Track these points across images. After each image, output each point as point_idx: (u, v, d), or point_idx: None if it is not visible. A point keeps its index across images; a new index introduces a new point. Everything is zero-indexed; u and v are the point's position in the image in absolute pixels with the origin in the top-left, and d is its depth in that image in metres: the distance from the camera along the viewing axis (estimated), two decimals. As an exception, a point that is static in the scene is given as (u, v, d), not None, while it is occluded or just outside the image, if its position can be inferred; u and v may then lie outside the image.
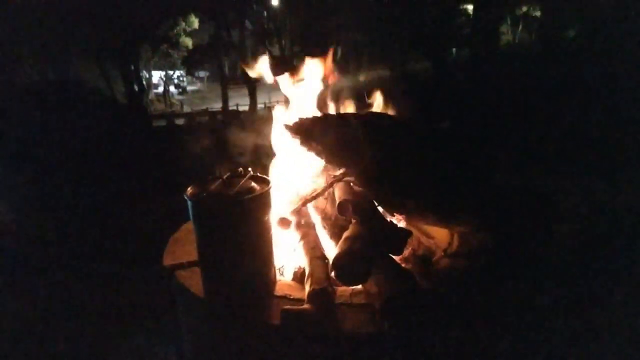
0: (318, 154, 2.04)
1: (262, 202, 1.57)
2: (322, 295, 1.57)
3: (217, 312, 1.67)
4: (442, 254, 2.07)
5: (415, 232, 2.27)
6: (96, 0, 11.28)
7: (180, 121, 13.74)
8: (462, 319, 1.73)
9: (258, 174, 1.72)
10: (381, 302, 1.50)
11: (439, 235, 2.27)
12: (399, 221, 2.18)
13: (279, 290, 1.77)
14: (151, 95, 20.26)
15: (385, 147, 2.00)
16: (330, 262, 1.59)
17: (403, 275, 1.60)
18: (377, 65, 20.33)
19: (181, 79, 21.87)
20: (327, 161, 2.04)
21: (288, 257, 2.03)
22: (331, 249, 1.80)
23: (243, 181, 1.61)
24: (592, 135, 5.86)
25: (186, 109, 18.27)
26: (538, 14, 18.88)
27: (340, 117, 2.05)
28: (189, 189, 1.60)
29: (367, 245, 1.54)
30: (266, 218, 1.62)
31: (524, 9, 19.39)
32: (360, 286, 1.71)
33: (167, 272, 1.92)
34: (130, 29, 13.37)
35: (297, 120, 2.05)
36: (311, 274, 1.70)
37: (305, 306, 1.56)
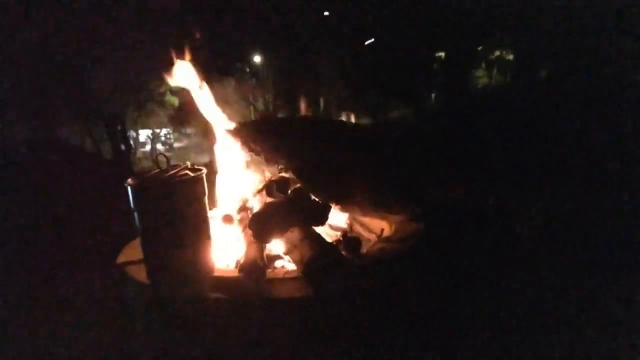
0: (257, 154, 2.24)
1: (194, 184, 1.75)
2: (251, 265, 1.72)
3: (158, 291, 1.80)
4: (377, 239, 2.23)
5: (355, 225, 2.45)
6: (85, 61, 11.74)
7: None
8: (388, 295, 1.86)
9: (195, 166, 1.90)
10: (303, 264, 1.65)
11: (378, 230, 2.44)
12: (339, 211, 2.35)
13: (218, 272, 1.90)
14: (138, 153, 20.57)
15: (318, 145, 2.22)
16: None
17: (326, 246, 1.76)
18: (359, 114, 21.08)
19: (168, 136, 22.34)
20: (266, 160, 2.23)
21: (234, 251, 2.17)
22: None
23: (178, 169, 1.79)
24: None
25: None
26: (511, 57, 19.78)
27: (277, 120, 2.27)
28: (129, 179, 1.77)
29: (282, 210, 1.71)
30: (200, 200, 1.78)
31: (497, 53, 20.29)
32: (295, 267, 1.87)
33: (118, 268, 2.06)
34: (120, 90, 13.82)
35: (236, 125, 2.27)
36: (246, 254, 1.85)
37: (236, 275, 1.70)
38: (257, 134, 2.19)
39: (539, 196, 4.60)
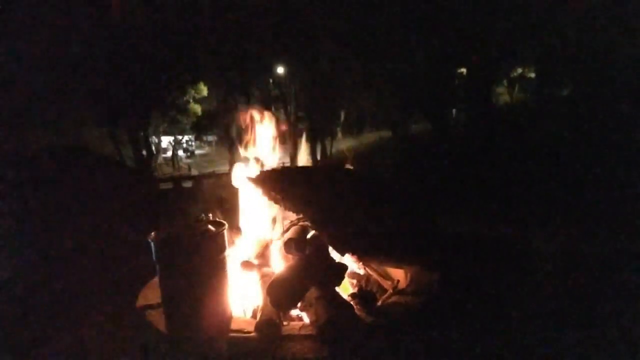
0: (277, 202, 2.28)
1: (214, 241, 1.79)
2: (267, 324, 1.75)
3: (177, 345, 1.84)
4: (391, 291, 2.24)
5: (371, 272, 2.47)
6: (108, 71, 12.04)
7: (187, 184, 14.04)
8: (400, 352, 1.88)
9: (216, 219, 1.95)
10: (318, 326, 1.68)
11: (398, 277, 2.46)
12: (355, 262, 2.38)
13: (235, 325, 1.94)
14: (160, 160, 21.00)
15: (336, 195, 2.25)
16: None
17: (341, 304, 1.79)
18: (379, 127, 21.26)
19: (190, 143, 22.75)
20: (286, 208, 2.27)
21: (252, 297, 2.22)
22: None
23: (201, 223, 1.85)
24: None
25: (194, 172, 18.81)
26: (533, 75, 19.57)
27: (297, 169, 2.31)
28: (152, 233, 1.83)
29: (300, 275, 1.74)
30: (220, 256, 1.83)
31: (519, 70, 20.10)
32: (308, 320, 1.90)
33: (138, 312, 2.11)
34: (142, 98, 14.10)
35: (259, 173, 2.32)
36: (263, 308, 1.89)
37: (252, 334, 1.74)
38: (277, 183, 2.23)
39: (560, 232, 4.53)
